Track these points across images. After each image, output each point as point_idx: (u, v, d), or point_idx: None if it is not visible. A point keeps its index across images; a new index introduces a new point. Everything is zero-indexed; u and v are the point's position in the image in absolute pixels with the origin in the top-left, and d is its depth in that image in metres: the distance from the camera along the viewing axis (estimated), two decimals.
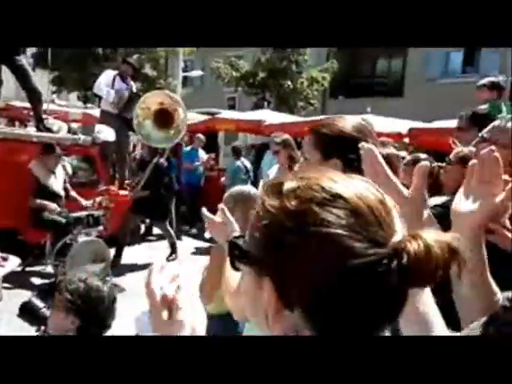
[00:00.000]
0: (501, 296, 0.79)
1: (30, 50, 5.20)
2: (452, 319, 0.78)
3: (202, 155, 7.74)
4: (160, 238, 6.45)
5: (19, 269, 4.13)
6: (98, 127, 5.38)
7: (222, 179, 7.48)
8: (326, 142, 1.14)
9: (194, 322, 0.65)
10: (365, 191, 0.51)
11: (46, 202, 4.58)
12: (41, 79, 6.33)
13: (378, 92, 14.08)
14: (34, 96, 5.05)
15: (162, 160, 5.49)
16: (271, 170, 4.81)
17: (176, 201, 6.93)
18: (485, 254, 0.79)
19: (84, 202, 4.81)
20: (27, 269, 4.73)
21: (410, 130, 6.53)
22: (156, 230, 6.65)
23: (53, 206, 4.59)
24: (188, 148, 7.67)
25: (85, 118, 10.40)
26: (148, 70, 15.67)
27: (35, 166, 4.69)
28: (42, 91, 5.23)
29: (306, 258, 0.48)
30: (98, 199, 4.75)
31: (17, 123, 9.72)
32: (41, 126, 5.09)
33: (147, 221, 6.62)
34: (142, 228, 6.73)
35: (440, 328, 0.71)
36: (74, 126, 9.55)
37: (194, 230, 7.39)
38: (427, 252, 0.46)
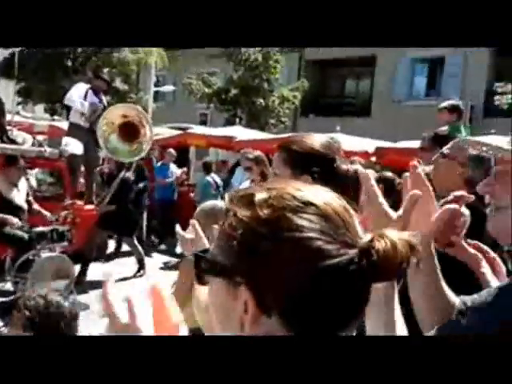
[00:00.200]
0: (457, 300, 0.83)
1: None
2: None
3: (175, 170, 7.68)
4: (129, 254, 6.30)
5: None
6: (66, 140, 5.25)
7: (192, 194, 7.44)
8: (295, 159, 1.16)
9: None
10: (330, 198, 0.55)
11: (6, 216, 4.40)
12: (5, 89, 6.16)
13: (347, 112, 14.48)
14: None
15: (129, 174, 5.41)
16: (242, 185, 4.82)
17: (147, 215, 6.83)
18: (437, 264, 0.83)
19: (48, 216, 4.65)
20: None
21: (377, 149, 6.74)
22: (125, 247, 6.50)
23: (14, 220, 4.41)
24: (159, 163, 7.60)
25: (51, 130, 10.13)
26: (119, 83, 15.53)
27: None
28: (5, 102, 5.07)
29: (281, 263, 0.50)
30: (63, 214, 4.60)
31: None
32: (4, 137, 4.92)
33: (116, 236, 6.47)
34: (111, 244, 6.55)
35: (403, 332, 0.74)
36: (40, 138, 9.29)
37: (162, 246, 7.27)
38: (393, 248, 0.51)
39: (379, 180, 2.85)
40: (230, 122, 12.34)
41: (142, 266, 5.79)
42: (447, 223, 0.91)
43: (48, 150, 5.07)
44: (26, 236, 4.30)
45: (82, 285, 4.87)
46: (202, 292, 1.25)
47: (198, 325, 1.35)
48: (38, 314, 1.46)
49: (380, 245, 0.51)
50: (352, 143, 7.79)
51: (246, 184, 4.63)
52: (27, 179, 4.92)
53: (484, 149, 0.80)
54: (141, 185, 6.57)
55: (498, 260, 0.99)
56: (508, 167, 0.73)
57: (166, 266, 6.44)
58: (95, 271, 5.42)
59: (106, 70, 15.28)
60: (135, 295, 0.66)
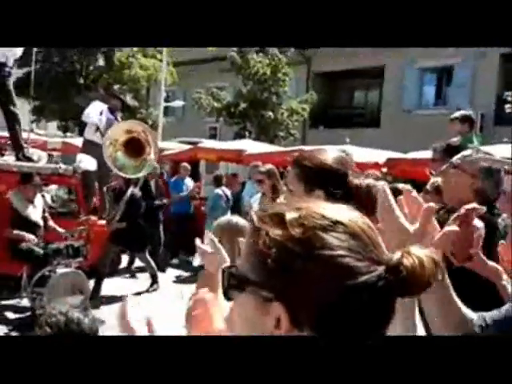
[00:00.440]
0: (475, 316, 0.84)
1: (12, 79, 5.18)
2: None
3: (190, 184, 7.71)
4: (142, 268, 6.33)
5: None
6: (80, 157, 5.34)
7: (203, 208, 7.48)
8: (308, 175, 1.18)
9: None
10: (356, 217, 0.58)
11: (23, 233, 4.48)
12: (21, 108, 6.31)
13: (356, 123, 14.48)
14: (15, 122, 4.99)
15: (136, 190, 5.46)
16: (254, 198, 4.84)
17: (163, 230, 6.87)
18: (447, 280, 0.84)
19: (64, 232, 4.72)
20: (1, 302, 4.56)
21: (388, 160, 6.72)
22: (138, 261, 6.53)
23: (31, 236, 4.48)
24: (174, 178, 7.64)
25: (64, 147, 10.32)
26: (129, 99, 15.78)
27: (14, 196, 4.60)
28: (21, 120, 5.20)
29: (313, 280, 0.53)
30: (78, 229, 4.67)
31: None
32: (20, 155, 5.03)
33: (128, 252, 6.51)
34: (125, 259, 6.60)
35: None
36: (54, 154, 9.45)
37: (175, 260, 7.29)
38: (421, 265, 0.54)
39: (391, 191, 2.84)
40: (239, 136, 12.42)
41: (155, 280, 5.80)
42: (463, 238, 0.92)
43: (63, 166, 5.17)
44: (41, 252, 4.36)
45: (96, 300, 4.91)
46: (222, 305, 1.27)
47: None
48: (59, 330, 1.49)
49: (408, 262, 0.54)
50: (362, 154, 7.77)
51: (257, 197, 4.65)
52: (43, 196, 5.01)
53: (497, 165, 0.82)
54: (158, 201, 6.69)
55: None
56: None
57: (179, 280, 6.45)
58: (109, 286, 5.46)
59: (116, 87, 15.59)
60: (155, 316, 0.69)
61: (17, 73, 13.71)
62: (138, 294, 5.61)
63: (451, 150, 3.11)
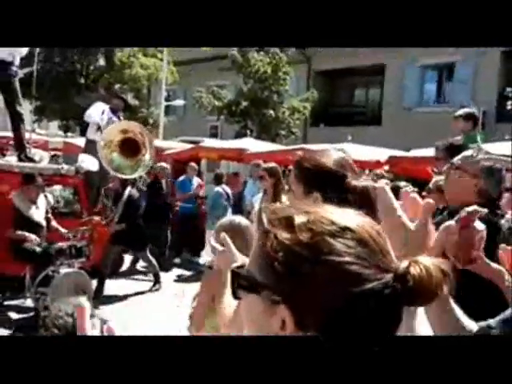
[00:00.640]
0: (476, 327, 0.84)
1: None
2: None
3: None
4: (145, 268, 6.35)
5: None
6: (81, 157, 5.35)
7: (204, 207, 7.49)
8: (307, 176, 1.18)
9: None
10: (365, 223, 0.58)
11: (26, 233, 4.49)
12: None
13: (357, 121, 14.45)
14: (20, 122, 4.99)
15: (134, 190, 5.47)
16: (256, 197, 4.84)
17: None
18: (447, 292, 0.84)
19: (66, 232, 4.73)
20: (5, 303, 4.57)
21: (390, 157, 6.71)
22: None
23: (33, 236, 4.49)
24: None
25: (65, 146, 10.33)
26: (130, 99, 15.79)
27: (16, 197, 4.61)
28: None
29: (320, 285, 0.53)
30: (81, 230, 4.68)
31: None
32: (22, 155, 5.04)
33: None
34: (127, 259, 6.62)
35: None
36: (58, 154, 9.45)
37: (177, 259, 7.30)
38: (429, 274, 0.53)
39: (392, 190, 2.84)
40: (240, 134, 12.41)
41: (157, 279, 5.81)
42: (465, 241, 0.92)
43: (65, 167, 5.18)
44: (44, 252, 4.37)
45: (99, 299, 4.92)
46: (227, 306, 1.28)
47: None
48: (67, 332, 1.50)
49: (415, 270, 0.54)
50: (364, 153, 7.76)
51: (259, 196, 4.65)
52: (45, 196, 5.02)
53: (498, 164, 0.82)
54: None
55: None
56: None
57: (180, 279, 6.46)
58: (112, 286, 5.48)
59: (117, 86, 15.59)
60: None
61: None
62: (141, 293, 5.63)
63: (454, 149, 3.11)
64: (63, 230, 4.78)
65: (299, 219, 0.57)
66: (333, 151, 1.22)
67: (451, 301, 0.84)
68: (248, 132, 11.77)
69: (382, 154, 7.31)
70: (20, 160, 5.01)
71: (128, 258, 6.52)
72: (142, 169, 4.66)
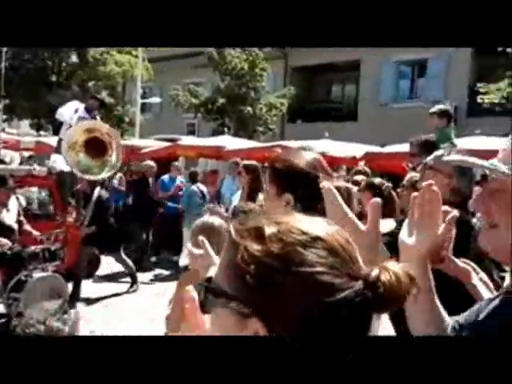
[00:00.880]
0: (451, 321, 0.85)
1: None
2: None
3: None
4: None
5: None
6: (54, 157, 5.22)
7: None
8: (279, 177, 1.18)
9: None
10: (335, 232, 0.58)
11: None
12: None
13: (334, 116, 14.58)
14: None
15: (103, 191, 5.36)
16: (234, 196, 4.82)
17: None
18: (432, 281, 0.85)
19: (39, 236, 4.61)
20: None
21: (366, 154, 6.80)
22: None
23: (4, 240, 4.35)
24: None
25: (38, 146, 10.05)
26: (105, 97, 15.50)
27: None
28: None
29: (292, 296, 0.52)
30: (54, 232, 4.56)
31: None
32: None
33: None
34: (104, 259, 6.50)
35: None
36: (26, 154, 9.19)
37: (153, 258, 7.22)
38: (398, 280, 0.54)
39: (367, 187, 2.87)
40: (217, 132, 12.36)
41: (134, 280, 5.73)
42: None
43: (37, 168, 5.04)
44: (16, 256, 4.24)
45: (75, 303, 4.82)
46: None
47: None
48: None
49: (385, 277, 0.53)
50: (340, 149, 7.84)
51: (238, 194, 4.64)
52: (17, 198, 4.87)
53: (466, 164, 0.83)
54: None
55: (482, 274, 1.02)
56: (501, 185, 0.75)
57: (159, 279, 6.40)
58: (88, 288, 5.38)
59: (91, 84, 15.27)
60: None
61: None
62: (119, 295, 5.55)
63: (428, 145, 3.18)
64: (36, 233, 4.65)
65: (269, 230, 0.56)
66: (305, 152, 1.23)
67: (437, 299, 0.85)
68: (225, 129, 11.73)
69: (358, 149, 7.40)
70: None
71: (105, 260, 6.41)
72: (109, 169, 4.53)
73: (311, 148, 1.32)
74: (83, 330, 1.65)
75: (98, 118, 6.13)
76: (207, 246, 1.27)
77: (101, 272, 6.21)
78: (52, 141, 8.62)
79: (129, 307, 5.05)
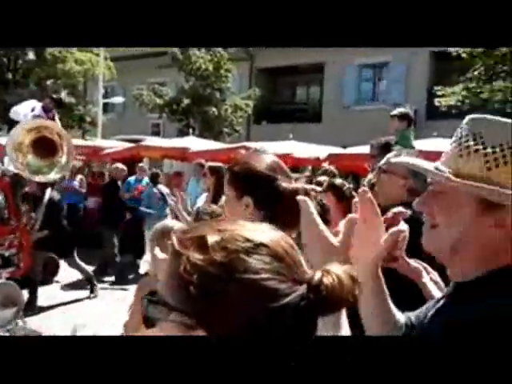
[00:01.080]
0: (404, 318, 0.87)
1: None
2: None
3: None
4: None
5: None
6: (8, 159, 4.97)
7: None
8: (238, 180, 1.18)
9: None
10: (279, 238, 0.58)
11: None
12: None
13: (299, 118, 14.76)
14: None
15: (55, 193, 5.16)
16: (200, 198, 4.77)
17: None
18: (383, 283, 0.86)
19: None
20: None
21: (329, 155, 6.91)
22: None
23: None
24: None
25: None
26: (65, 96, 14.97)
27: None
28: None
29: (237, 303, 0.52)
30: (8, 237, 4.34)
31: None
32: None
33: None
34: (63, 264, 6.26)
35: None
36: None
37: (119, 262, 7.04)
38: (340, 283, 0.54)
39: (329, 187, 2.91)
40: (183, 132, 12.23)
41: (92, 286, 5.51)
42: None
43: None
44: None
45: (32, 309, 4.63)
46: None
47: None
48: None
49: (328, 280, 0.54)
50: (304, 150, 7.95)
51: (203, 197, 4.60)
52: None
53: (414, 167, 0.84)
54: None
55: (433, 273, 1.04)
56: (442, 188, 0.78)
57: (123, 282, 6.25)
58: (46, 295, 5.17)
59: (49, 82, 14.72)
60: None
61: None
62: (79, 300, 5.37)
63: (388, 147, 3.27)
64: None
65: (212, 238, 0.55)
66: (264, 155, 1.22)
67: (388, 297, 0.86)
68: (191, 130, 11.62)
69: (321, 151, 7.52)
70: None
71: (64, 265, 6.19)
72: (58, 170, 4.30)
73: (265, 150, 1.32)
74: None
75: (56, 118, 5.91)
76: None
77: (63, 278, 6.00)
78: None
79: (89, 313, 4.90)
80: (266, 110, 15.17)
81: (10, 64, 14.80)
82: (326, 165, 5.78)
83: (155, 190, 6.76)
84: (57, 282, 5.90)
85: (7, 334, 1.51)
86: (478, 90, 7.96)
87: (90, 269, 5.77)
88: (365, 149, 5.36)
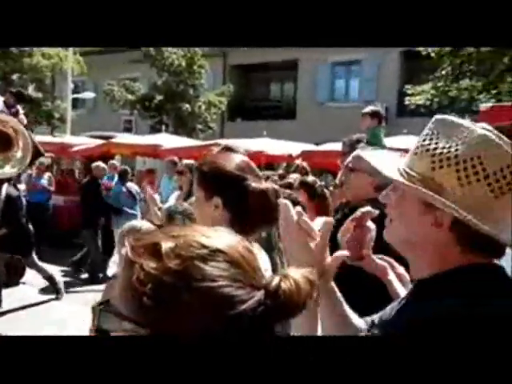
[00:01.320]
0: (363, 324, 0.87)
1: None
2: None
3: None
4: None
5: None
6: None
7: None
8: (206, 180, 1.16)
9: None
10: (236, 243, 0.56)
11: None
12: None
13: (273, 115, 14.79)
14: None
15: (12, 188, 4.80)
16: (172, 196, 4.71)
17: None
18: (334, 288, 0.87)
19: None
20: None
21: (302, 152, 6.95)
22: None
23: None
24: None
25: None
26: (32, 91, 14.48)
27: None
28: None
29: (193, 312, 0.50)
30: None
31: None
32: None
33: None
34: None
35: None
36: None
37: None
38: (298, 288, 0.53)
39: (301, 185, 2.92)
40: (155, 129, 12.04)
41: (54, 285, 5.24)
42: (357, 239, 0.95)
43: None
44: None
45: None
46: None
47: None
48: None
49: (286, 285, 0.52)
50: (278, 147, 7.96)
51: (175, 195, 4.54)
52: None
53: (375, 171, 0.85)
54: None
55: (402, 270, 1.05)
56: (395, 185, 0.79)
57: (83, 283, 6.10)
58: (11, 298, 5.00)
59: (15, 77, 14.20)
60: None
61: None
62: (46, 302, 5.21)
63: (359, 144, 3.29)
64: None
65: (166, 245, 0.53)
66: (233, 154, 1.19)
67: (344, 304, 0.86)
68: (163, 127, 11.46)
69: (295, 147, 7.55)
70: None
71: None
72: (14, 164, 4.10)
73: (238, 148, 1.29)
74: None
75: (21, 113, 5.70)
76: None
77: (31, 279, 5.80)
78: None
79: (56, 315, 4.76)
80: (239, 107, 15.13)
81: None
82: (298, 161, 5.81)
83: (123, 189, 6.61)
84: (23, 283, 5.71)
85: None
86: (446, 89, 8.17)
87: (58, 269, 5.61)
88: (338, 146, 5.42)
